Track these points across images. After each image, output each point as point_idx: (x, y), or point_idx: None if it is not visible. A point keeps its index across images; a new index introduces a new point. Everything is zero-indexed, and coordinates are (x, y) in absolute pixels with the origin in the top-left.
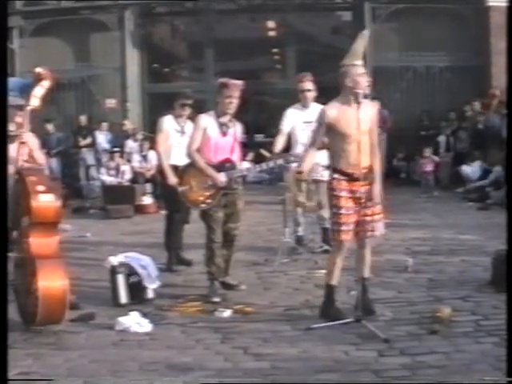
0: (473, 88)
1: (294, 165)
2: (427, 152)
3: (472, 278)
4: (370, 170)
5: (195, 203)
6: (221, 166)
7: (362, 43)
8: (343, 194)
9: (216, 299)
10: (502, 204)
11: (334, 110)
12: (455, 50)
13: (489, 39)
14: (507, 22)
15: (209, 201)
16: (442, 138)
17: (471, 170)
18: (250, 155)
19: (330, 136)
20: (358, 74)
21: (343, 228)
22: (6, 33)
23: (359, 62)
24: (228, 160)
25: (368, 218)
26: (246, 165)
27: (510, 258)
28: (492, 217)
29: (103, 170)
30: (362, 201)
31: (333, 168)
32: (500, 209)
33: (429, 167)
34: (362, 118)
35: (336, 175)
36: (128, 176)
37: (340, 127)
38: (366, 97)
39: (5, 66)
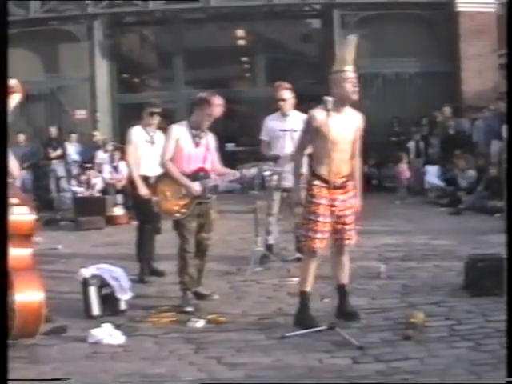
0: (443, 93)
1: (267, 173)
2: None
3: (445, 283)
4: (349, 178)
5: (169, 213)
6: (195, 176)
7: (348, 49)
8: (323, 201)
9: (189, 309)
10: (474, 208)
11: (322, 116)
12: (425, 56)
13: (458, 44)
14: (507, 22)
15: (183, 210)
16: (411, 144)
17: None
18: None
19: (314, 142)
20: (345, 80)
21: (319, 236)
22: (7, 34)
23: (347, 68)
24: (202, 169)
25: (346, 227)
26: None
27: (510, 259)
28: (464, 221)
29: (74, 183)
30: (340, 209)
31: (313, 174)
32: (472, 213)
33: (406, 173)
34: (347, 127)
35: (317, 182)
36: (99, 187)
37: (327, 133)
38: (353, 104)
39: (5, 66)
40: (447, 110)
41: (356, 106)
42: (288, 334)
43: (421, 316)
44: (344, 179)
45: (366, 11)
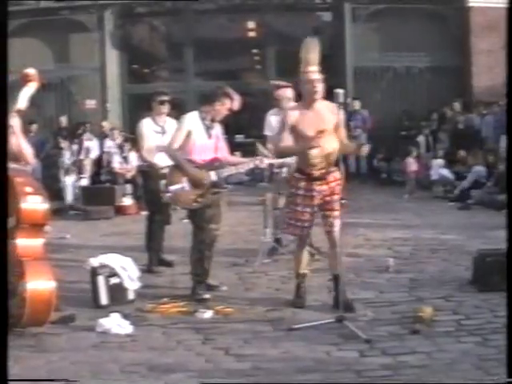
0: (453, 88)
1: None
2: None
3: (453, 277)
4: (329, 170)
5: (186, 202)
6: (210, 166)
7: (310, 50)
8: (300, 192)
9: (207, 296)
10: (483, 203)
11: (295, 113)
12: (435, 51)
13: (469, 39)
14: (507, 22)
15: (200, 200)
16: (420, 139)
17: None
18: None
19: (293, 137)
20: (306, 81)
21: (298, 224)
22: (6, 30)
23: (310, 69)
24: (216, 159)
25: (327, 213)
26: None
27: (510, 257)
28: (473, 216)
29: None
30: (320, 198)
31: (295, 167)
32: (480, 208)
33: (414, 167)
34: (320, 122)
35: (296, 174)
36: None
37: (299, 130)
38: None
39: (5, 63)
40: (457, 104)
41: (366, 99)
42: (296, 326)
43: (429, 310)
44: (323, 171)
45: (377, 4)
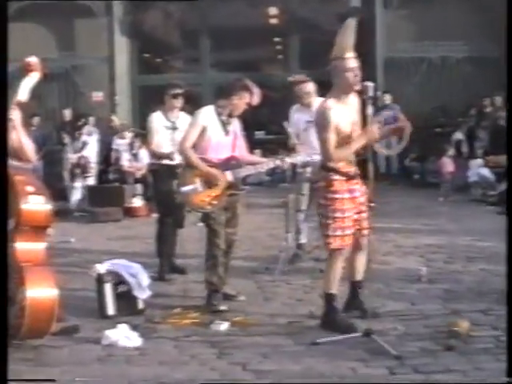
0: (493, 81)
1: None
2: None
3: (492, 288)
4: (356, 167)
5: (199, 205)
6: (226, 165)
7: (347, 33)
8: (346, 195)
9: (223, 307)
10: None
11: (335, 112)
12: (474, 40)
13: (511, 27)
14: (507, 18)
15: (214, 202)
16: (457, 136)
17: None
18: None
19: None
20: (345, 69)
21: (347, 232)
22: (6, 22)
23: (347, 55)
24: (233, 158)
25: (364, 215)
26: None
27: (510, 257)
28: None
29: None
30: (360, 199)
31: (329, 168)
32: None
33: (450, 167)
34: (353, 115)
35: (336, 176)
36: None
37: (341, 128)
38: (359, 92)
39: (5, 53)
40: (498, 99)
41: (398, 93)
42: (319, 340)
43: (465, 325)
44: (354, 168)
45: None
